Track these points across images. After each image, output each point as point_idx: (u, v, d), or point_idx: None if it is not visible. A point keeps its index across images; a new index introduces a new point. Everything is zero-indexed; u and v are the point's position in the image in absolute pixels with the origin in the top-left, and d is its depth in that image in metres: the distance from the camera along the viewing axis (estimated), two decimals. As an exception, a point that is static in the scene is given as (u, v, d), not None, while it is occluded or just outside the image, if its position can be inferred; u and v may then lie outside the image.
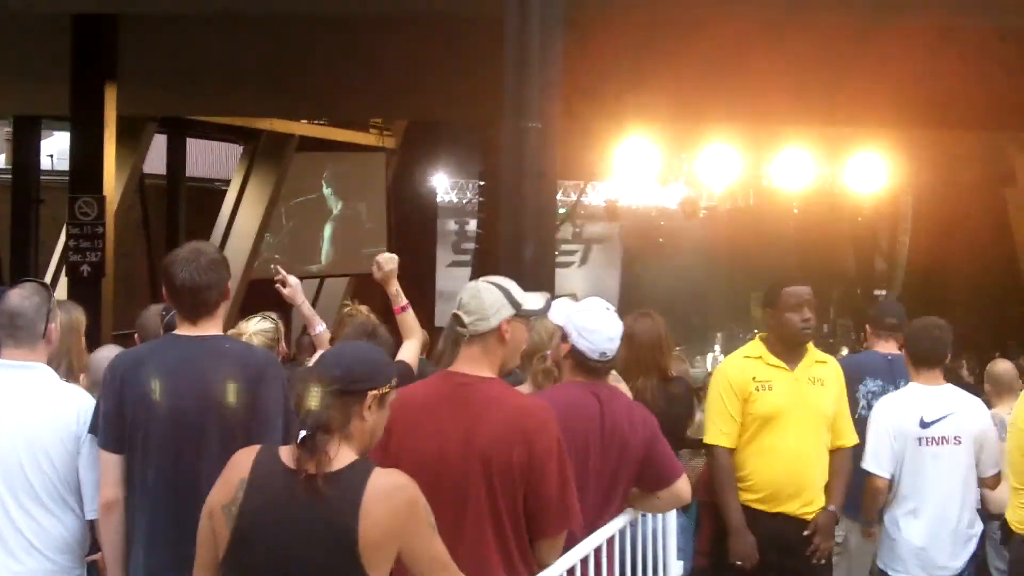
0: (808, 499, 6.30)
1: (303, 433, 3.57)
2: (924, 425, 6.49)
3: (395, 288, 6.04)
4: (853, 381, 7.24)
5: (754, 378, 6.38)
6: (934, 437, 6.48)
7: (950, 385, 6.75)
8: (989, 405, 7.86)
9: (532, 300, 4.55)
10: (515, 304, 4.40)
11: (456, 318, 4.35)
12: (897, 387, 7.20)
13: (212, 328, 4.67)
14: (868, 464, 6.58)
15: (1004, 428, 7.63)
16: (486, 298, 4.34)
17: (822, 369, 6.53)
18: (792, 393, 6.35)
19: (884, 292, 31.91)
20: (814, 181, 25.79)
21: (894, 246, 30.78)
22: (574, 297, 6.78)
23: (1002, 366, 8.65)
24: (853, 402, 7.15)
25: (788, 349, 6.44)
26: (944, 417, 6.51)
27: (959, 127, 20.82)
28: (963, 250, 27.68)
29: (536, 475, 4.20)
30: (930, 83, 15.59)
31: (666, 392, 6.55)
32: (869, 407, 7.14)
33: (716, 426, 6.43)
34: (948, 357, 6.82)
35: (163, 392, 4.48)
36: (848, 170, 24.14)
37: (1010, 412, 7.67)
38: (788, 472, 6.29)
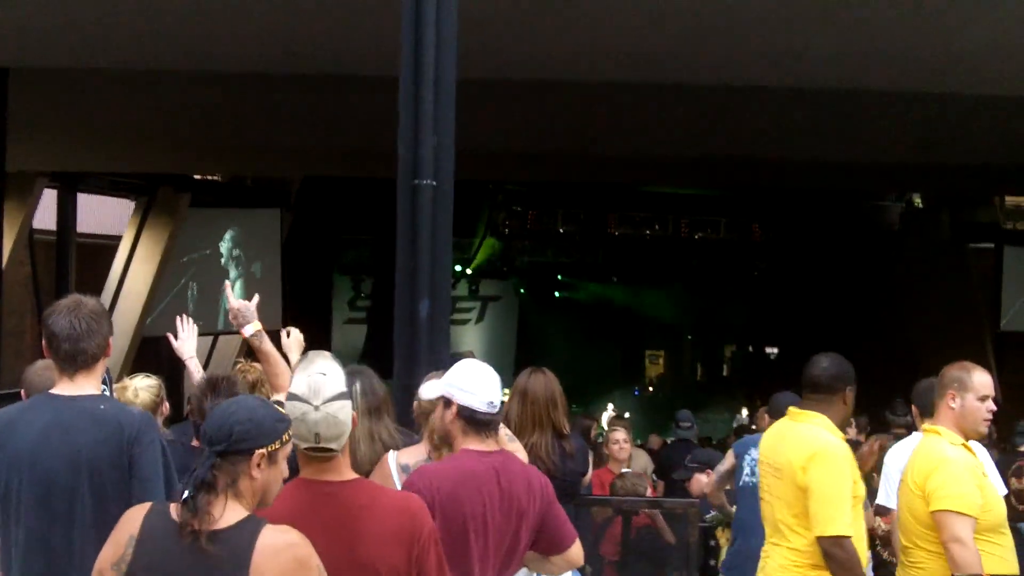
0: None
1: (186, 492, 3.54)
2: None
3: (296, 359, 5.89)
4: (741, 452, 8.37)
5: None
6: None
7: None
8: None
9: (336, 377, 4.18)
10: (352, 396, 4.24)
11: (319, 450, 4.03)
12: None
13: (89, 386, 4.57)
14: (887, 502, 6.89)
15: None
16: (341, 417, 4.04)
17: None
18: None
19: (775, 350, 32.40)
20: (706, 236, 26.25)
21: (783, 304, 31.23)
22: (470, 354, 6.80)
23: None
24: (739, 470, 8.31)
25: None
26: None
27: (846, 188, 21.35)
28: (852, 307, 28.27)
29: (421, 567, 4.11)
30: (815, 144, 15.96)
31: (561, 448, 6.58)
32: (752, 473, 7.86)
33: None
34: None
35: (35, 456, 4.37)
36: (739, 227, 24.54)
37: None
38: None
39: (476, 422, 4.86)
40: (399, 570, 4.06)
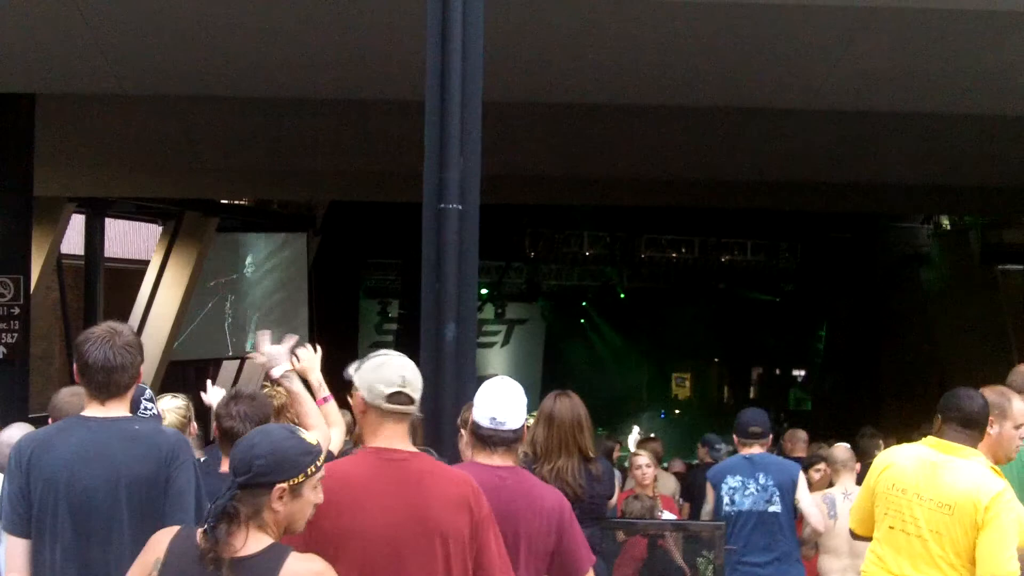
0: None
1: (208, 520, 3.56)
2: None
3: (317, 379, 5.95)
4: (717, 482, 8.33)
5: None
6: None
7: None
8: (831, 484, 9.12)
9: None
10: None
11: (401, 396, 4.24)
12: (756, 480, 8.13)
13: (120, 409, 4.59)
14: None
15: (834, 506, 8.70)
16: (419, 373, 4.32)
17: None
18: None
19: (803, 373, 32.26)
20: (734, 260, 26.19)
21: (812, 326, 31.12)
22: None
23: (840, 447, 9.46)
24: (718, 500, 8.27)
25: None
26: None
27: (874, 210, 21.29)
28: (879, 330, 28.14)
29: (481, 539, 4.26)
30: (843, 166, 15.92)
31: (587, 471, 6.55)
32: (732, 502, 8.14)
33: None
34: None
35: (72, 475, 4.38)
36: (766, 250, 24.49)
37: (844, 491, 8.77)
38: None
39: (479, 436, 4.94)
40: (463, 536, 4.20)
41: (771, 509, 8.09)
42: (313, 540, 3.82)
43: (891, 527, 5.71)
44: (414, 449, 4.34)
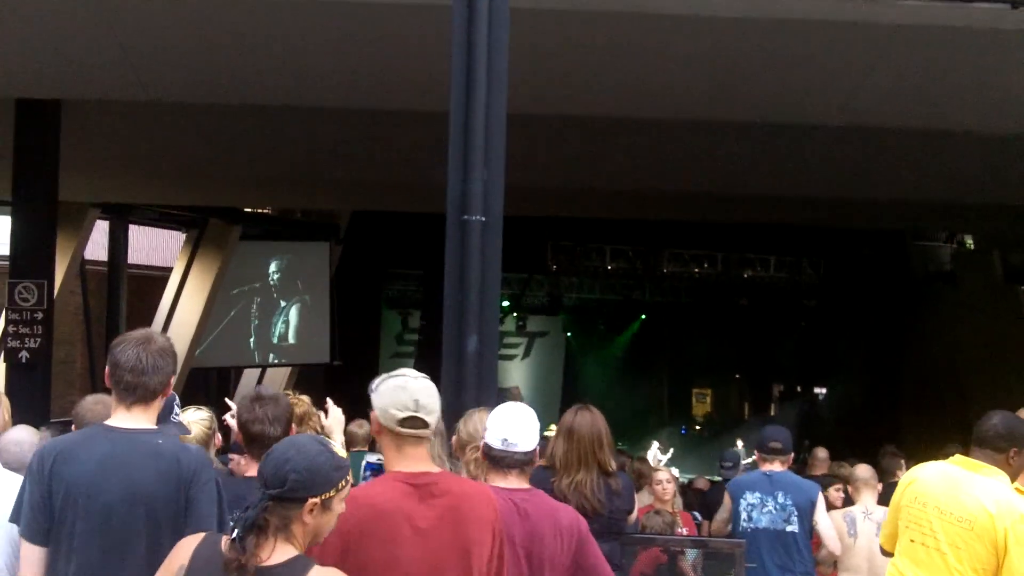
0: None
1: (236, 530, 3.55)
2: None
3: (340, 440, 5.98)
4: (736, 496, 8.29)
5: None
6: None
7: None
8: (852, 503, 9.08)
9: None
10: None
11: (415, 421, 4.23)
12: (775, 498, 8.10)
13: (146, 420, 4.56)
14: None
15: (854, 524, 8.69)
16: (436, 395, 4.29)
17: None
18: None
19: (824, 390, 32.16)
20: (755, 276, 26.13)
21: (833, 343, 31.02)
22: (517, 390, 6.77)
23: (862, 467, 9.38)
24: (735, 515, 8.24)
25: None
26: None
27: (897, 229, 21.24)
28: (902, 348, 28.05)
29: (500, 556, 4.31)
30: (866, 184, 15.89)
31: (607, 486, 6.53)
32: (750, 519, 8.12)
33: None
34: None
35: (91, 489, 4.35)
36: (788, 266, 24.44)
37: (864, 510, 8.76)
38: None
39: (491, 458, 4.96)
40: (491, 555, 4.25)
41: (788, 528, 8.06)
42: (349, 572, 3.80)
43: (911, 540, 5.77)
44: (437, 469, 4.34)
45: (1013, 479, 5.72)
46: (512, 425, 4.94)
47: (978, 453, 5.71)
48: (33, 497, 4.42)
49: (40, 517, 4.40)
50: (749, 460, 12.53)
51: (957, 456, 5.82)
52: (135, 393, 4.53)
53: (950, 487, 5.69)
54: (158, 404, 4.63)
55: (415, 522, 4.12)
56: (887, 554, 6.14)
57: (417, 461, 4.25)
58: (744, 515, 8.18)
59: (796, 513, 8.07)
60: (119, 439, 4.47)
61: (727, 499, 8.53)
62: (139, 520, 4.34)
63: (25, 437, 5.62)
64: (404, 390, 4.23)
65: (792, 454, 8.52)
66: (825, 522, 8.23)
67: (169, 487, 4.39)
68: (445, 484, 4.26)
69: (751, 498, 8.18)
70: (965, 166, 14.78)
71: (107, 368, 4.61)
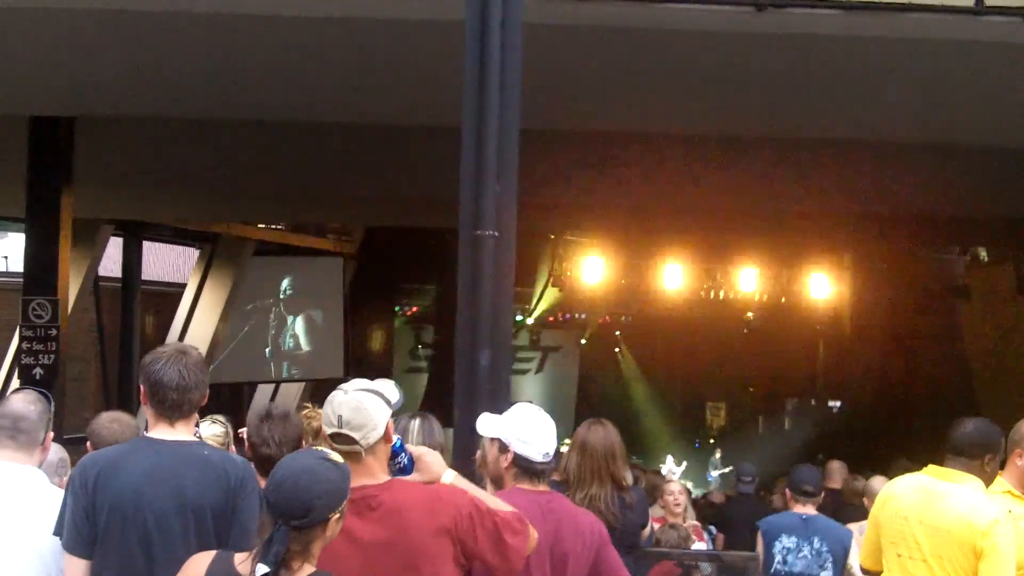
0: None
1: (262, 569, 3.53)
2: None
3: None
4: (771, 538, 8.24)
5: None
6: None
7: None
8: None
9: (388, 390, 4.40)
10: (387, 403, 4.33)
11: (342, 438, 4.19)
12: (811, 544, 8.10)
13: (187, 431, 4.63)
14: None
15: None
16: (369, 409, 4.22)
17: None
18: None
19: (839, 403, 32.05)
20: (767, 290, 26.05)
21: (847, 357, 30.90)
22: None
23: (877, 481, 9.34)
24: (769, 557, 8.18)
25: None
26: None
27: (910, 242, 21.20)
28: (916, 362, 27.97)
29: (468, 535, 4.26)
30: (880, 198, 15.85)
31: (621, 500, 6.54)
32: (784, 563, 8.09)
33: None
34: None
35: (140, 500, 4.40)
36: (801, 280, 24.40)
37: None
38: None
39: (530, 471, 4.96)
40: (447, 559, 4.21)
41: (823, 575, 8.11)
42: None
43: (899, 555, 5.79)
44: (381, 480, 4.28)
45: (987, 485, 5.75)
46: (547, 437, 4.96)
47: (952, 461, 5.75)
48: (76, 511, 4.45)
49: (84, 530, 4.44)
50: (726, 470, 12.58)
51: (930, 466, 5.87)
52: (181, 409, 4.59)
53: (925, 498, 5.74)
54: (196, 416, 4.69)
55: (354, 536, 4.09)
56: (867, 572, 6.20)
57: (361, 475, 4.18)
58: (779, 558, 8.19)
59: (831, 559, 8.11)
60: (165, 450, 4.53)
61: (759, 540, 8.49)
62: (189, 529, 4.40)
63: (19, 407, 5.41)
64: (330, 404, 4.23)
65: (823, 494, 8.60)
66: (858, 568, 8.22)
67: (218, 496, 4.45)
68: (385, 496, 4.23)
69: (787, 542, 8.20)
70: (983, 180, 14.75)
71: (144, 387, 4.64)
